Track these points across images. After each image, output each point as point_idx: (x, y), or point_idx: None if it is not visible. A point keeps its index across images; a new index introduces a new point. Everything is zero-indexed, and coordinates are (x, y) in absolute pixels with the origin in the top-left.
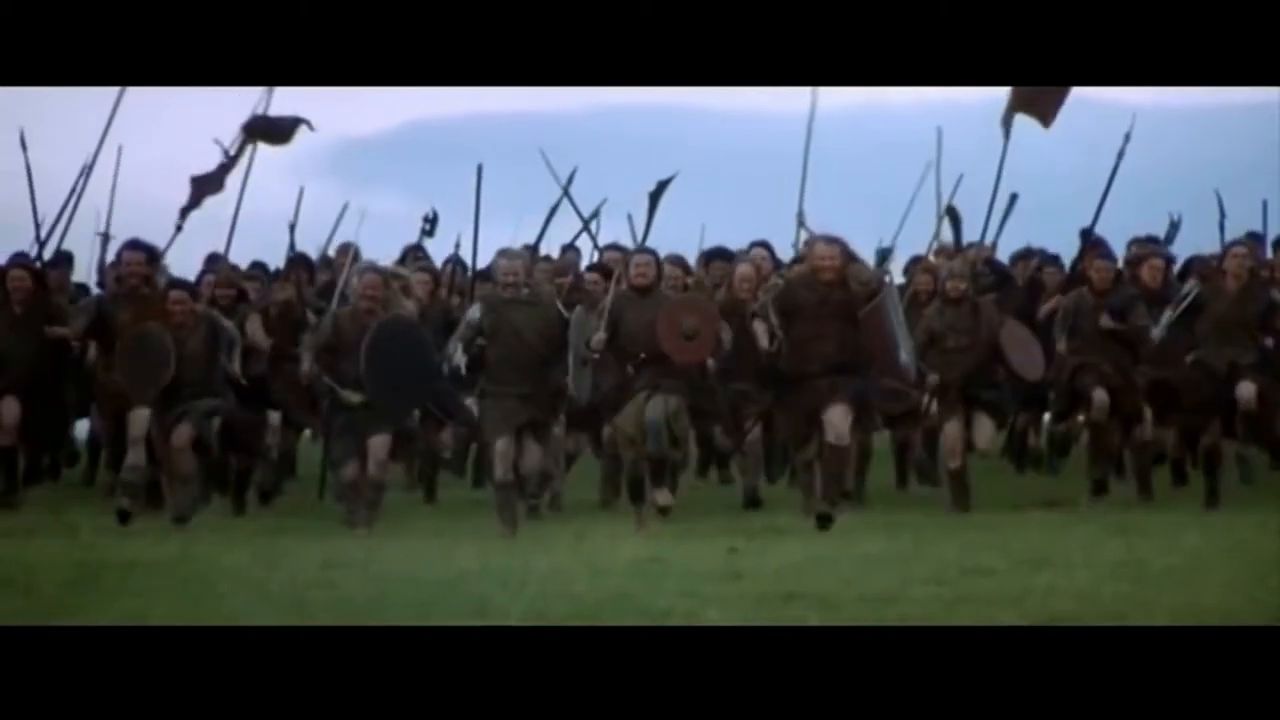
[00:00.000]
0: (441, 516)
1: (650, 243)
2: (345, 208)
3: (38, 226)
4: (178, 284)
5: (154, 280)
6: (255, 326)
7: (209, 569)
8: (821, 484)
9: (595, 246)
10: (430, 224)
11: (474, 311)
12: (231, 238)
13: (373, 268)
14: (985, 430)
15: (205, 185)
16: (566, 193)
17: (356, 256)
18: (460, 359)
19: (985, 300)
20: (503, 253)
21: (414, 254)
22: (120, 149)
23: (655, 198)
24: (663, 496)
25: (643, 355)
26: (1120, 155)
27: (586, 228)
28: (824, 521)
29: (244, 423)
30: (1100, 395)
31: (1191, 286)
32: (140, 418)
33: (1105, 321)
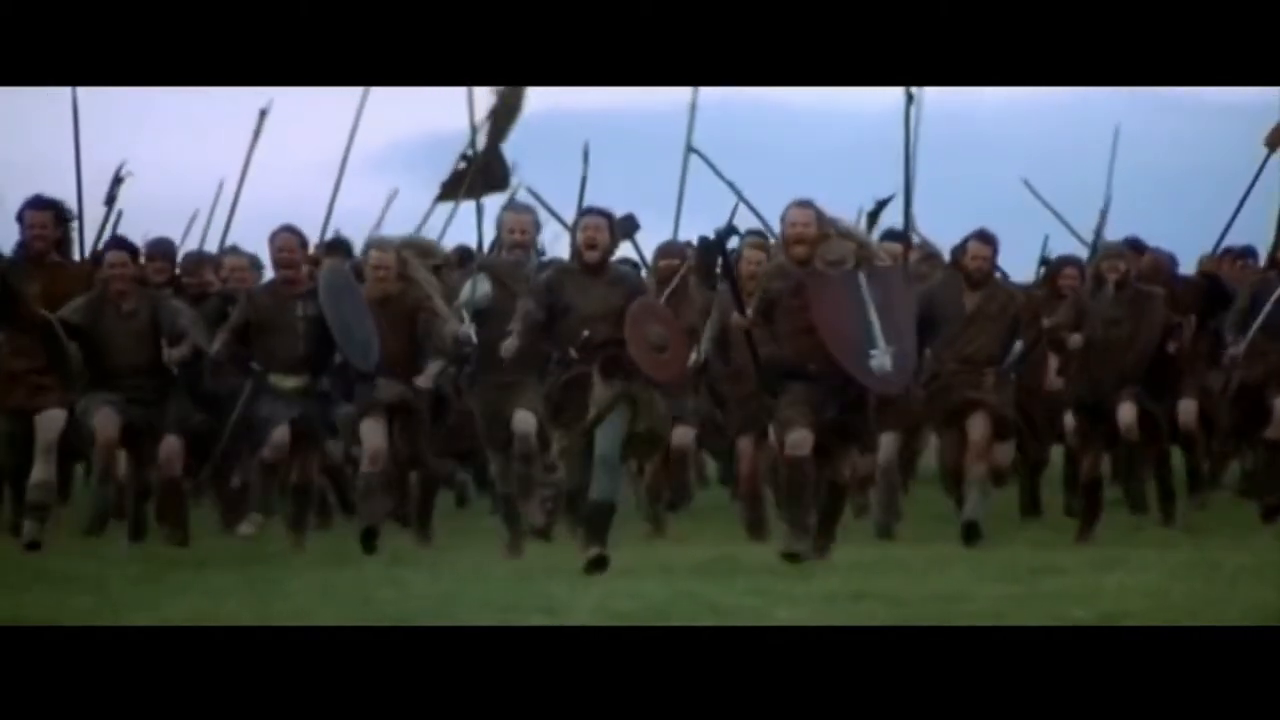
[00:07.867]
0: None
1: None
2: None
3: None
4: (118, 244)
5: (65, 246)
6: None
7: (277, 567)
8: (818, 522)
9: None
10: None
11: (483, 284)
12: (324, 232)
13: (290, 229)
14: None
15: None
16: (736, 191)
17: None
18: (469, 329)
19: (1156, 292)
20: (509, 207)
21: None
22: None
23: (874, 216)
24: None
25: (586, 333)
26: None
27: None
28: (792, 558)
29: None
30: None
31: None
32: (53, 420)
33: None
